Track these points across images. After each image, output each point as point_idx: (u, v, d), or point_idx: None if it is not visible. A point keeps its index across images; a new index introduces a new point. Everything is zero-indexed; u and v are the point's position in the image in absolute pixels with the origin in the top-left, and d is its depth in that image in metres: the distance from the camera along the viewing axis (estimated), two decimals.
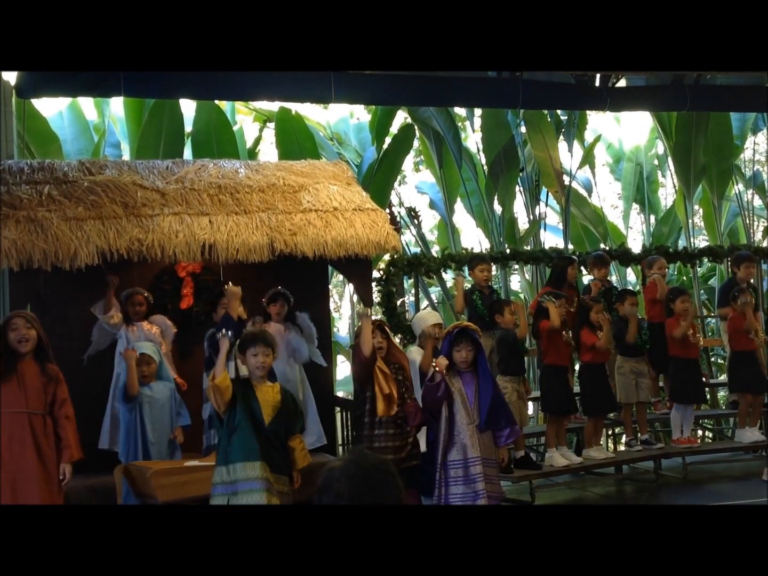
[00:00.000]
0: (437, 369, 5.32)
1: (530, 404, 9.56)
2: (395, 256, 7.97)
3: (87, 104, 11.57)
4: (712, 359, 11.07)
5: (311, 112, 13.06)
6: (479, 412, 5.35)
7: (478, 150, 12.12)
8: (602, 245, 11.99)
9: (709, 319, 11.88)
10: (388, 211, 7.91)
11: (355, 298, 11.74)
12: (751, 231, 12.88)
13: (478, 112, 11.92)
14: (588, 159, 12.76)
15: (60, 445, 5.21)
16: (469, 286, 7.87)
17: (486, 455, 5.32)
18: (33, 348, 5.21)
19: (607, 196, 16.84)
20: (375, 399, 5.76)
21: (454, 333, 5.43)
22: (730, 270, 8.88)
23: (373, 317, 6.08)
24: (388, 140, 11.18)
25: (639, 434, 7.70)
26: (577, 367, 8.00)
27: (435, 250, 13.41)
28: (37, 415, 5.16)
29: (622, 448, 8.54)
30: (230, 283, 6.26)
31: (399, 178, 13.29)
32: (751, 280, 8.46)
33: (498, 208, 11.79)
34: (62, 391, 5.29)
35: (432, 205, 13.14)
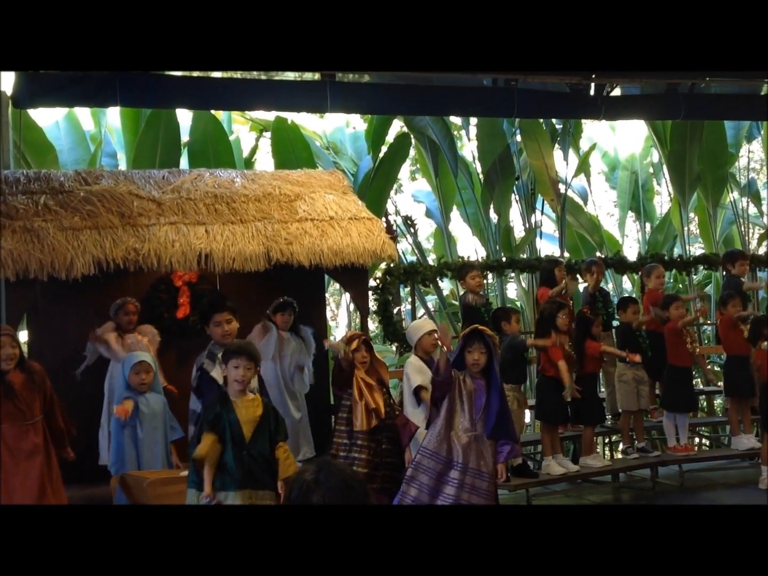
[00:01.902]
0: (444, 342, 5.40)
1: (527, 412, 9.57)
2: (391, 265, 7.99)
3: (83, 114, 11.58)
4: (709, 367, 11.07)
5: (307, 122, 13.09)
6: (485, 422, 5.30)
7: (474, 159, 12.16)
8: (598, 253, 12.01)
9: (705, 326, 11.90)
10: (384, 219, 7.92)
11: (352, 306, 11.75)
12: (747, 239, 12.92)
13: (473, 120, 11.97)
14: (583, 167, 12.79)
15: (55, 435, 5.27)
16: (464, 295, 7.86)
17: (477, 467, 5.27)
18: (16, 364, 5.25)
19: (603, 204, 16.89)
20: (352, 408, 5.80)
21: (467, 334, 5.41)
22: (723, 271, 8.91)
23: (356, 332, 6.15)
24: (384, 149, 11.20)
25: (636, 442, 7.70)
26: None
27: (431, 258, 13.43)
28: (37, 422, 5.18)
29: (618, 456, 8.54)
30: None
31: (395, 186, 13.32)
32: (745, 277, 8.46)
33: (494, 217, 11.82)
34: (48, 385, 5.38)
35: (428, 213, 13.16)
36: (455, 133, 12.73)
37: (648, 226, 14.01)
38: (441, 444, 5.26)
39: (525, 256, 11.30)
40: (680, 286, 12.62)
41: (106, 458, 6.21)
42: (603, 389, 8.12)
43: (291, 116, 10.93)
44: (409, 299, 9.47)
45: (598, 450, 7.76)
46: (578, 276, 8.98)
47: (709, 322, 9.81)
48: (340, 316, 16.50)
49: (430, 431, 5.35)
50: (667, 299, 7.76)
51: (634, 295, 10.14)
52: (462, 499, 5.17)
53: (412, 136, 11.41)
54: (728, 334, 7.79)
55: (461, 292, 8.20)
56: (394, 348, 9.11)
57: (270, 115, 11.36)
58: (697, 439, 9.71)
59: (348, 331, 6.32)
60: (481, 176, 11.68)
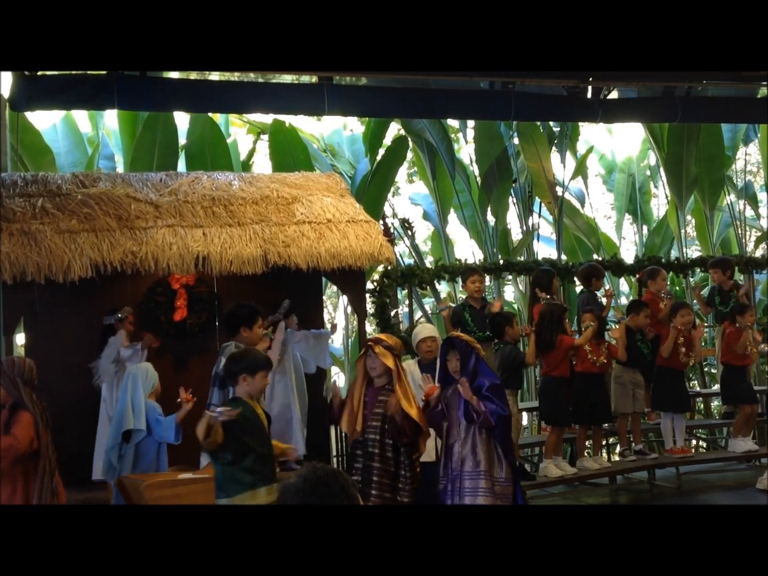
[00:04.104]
0: (428, 397, 5.27)
1: (525, 415, 9.57)
2: (389, 268, 7.98)
3: (81, 117, 11.60)
4: (706, 369, 11.09)
5: (305, 124, 13.12)
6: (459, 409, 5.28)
7: (471, 161, 12.18)
8: (595, 256, 12.02)
9: (705, 329, 11.90)
10: (381, 222, 7.92)
11: (349, 309, 11.75)
12: (743, 241, 12.95)
13: (471, 123, 11.99)
14: (581, 170, 12.82)
15: None
16: (462, 300, 7.88)
17: (474, 468, 5.27)
18: None
19: (600, 206, 16.94)
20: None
21: (442, 346, 5.44)
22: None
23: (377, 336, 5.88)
24: (381, 152, 11.22)
25: (633, 444, 7.71)
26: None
27: (429, 261, 13.45)
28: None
29: (616, 458, 8.55)
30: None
31: (392, 189, 13.34)
32: (724, 286, 8.48)
33: (491, 219, 11.84)
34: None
35: (425, 216, 13.19)
36: (452, 135, 12.75)
37: (645, 228, 14.04)
38: (446, 463, 5.28)
39: (522, 258, 11.30)
40: (677, 288, 12.64)
41: (100, 473, 6.08)
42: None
43: (288, 119, 10.96)
44: (407, 302, 9.45)
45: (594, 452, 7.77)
46: (575, 279, 9.00)
47: (706, 324, 9.82)
48: (337, 318, 16.50)
49: (442, 458, 5.35)
50: (674, 306, 7.80)
51: (631, 298, 10.16)
52: (468, 501, 5.19)
53: (409, 138, 11.43)
54: (734, 344, 7.79)
55: (458, 295, 8.22)
56: None
57: (267, 118, 11.38)
58: (694, 442, 9.71)
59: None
60: (478, 179, 11.70)
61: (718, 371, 8.56)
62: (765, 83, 8.99)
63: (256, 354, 4.98)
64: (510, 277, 11.51)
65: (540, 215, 12.53)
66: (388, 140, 11.71)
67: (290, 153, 10.61)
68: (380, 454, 5.26)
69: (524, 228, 12.23)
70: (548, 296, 7.54)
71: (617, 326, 7.68)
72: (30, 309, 6.47)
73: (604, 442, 8.22)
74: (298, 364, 6.96)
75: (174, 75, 8.57)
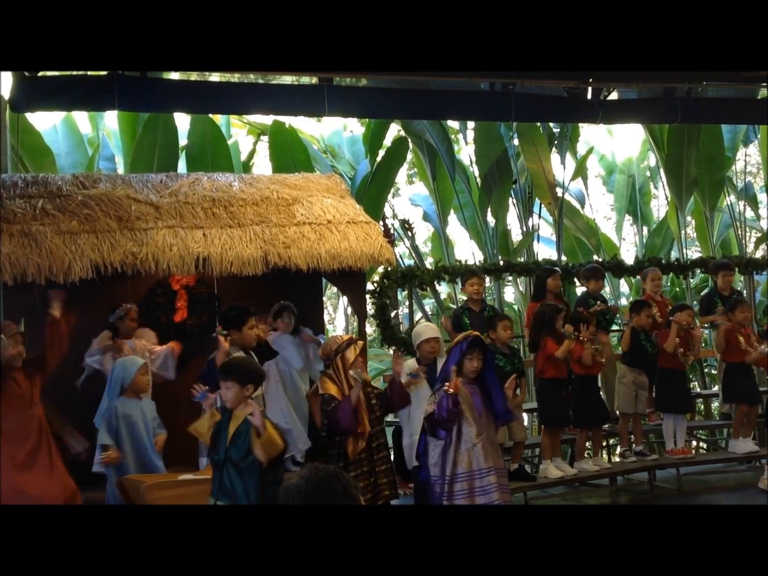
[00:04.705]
0: (451, 390, 5.17)
1: (525, 416, 9.56)
2: (389, 269, 7.98)
3: (81, 118, 11.60)
4: (706, 370, 11.09)
5: (305, 126, 13.12)
6: (495, 412, 5.38)
7: (471, 162, 12.18)
8: (595, 257, 12.02)
9: (704, 329, 11.89)
10: (381, 223, 7.92)
11: (350, 310, 11.76)
12: (743, 242, 12.95)
13: (471, 124, 12.00)
14: (581, 171, 12.82)
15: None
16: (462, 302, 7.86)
17: (497, 465, 5.33)
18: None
19: (600, 207, 16.95)
20: (345, 440, 5.48)
21: (466, 342, 5.40)
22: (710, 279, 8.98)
23: (352, 336, 6.00)
24: (381, 153, 11.22)
25: (633, 445, 7.71)
26: None
27: (429, 262, 13.45)
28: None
29: (616, 459, 8.55)
30: (219, 328, 6.02)
31: (392, 190, 13.35)
32: (730, 289, 8.48)
33: (491, 220, 11.84)
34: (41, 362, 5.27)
35: (425, 217, 13.20)
36: (452, 136, 12.75)
37: (645, 229, 14.04)
38: (461, 461, 5.28)
39: (522, 259, 11.30)
40: (677, 289, 12.64)
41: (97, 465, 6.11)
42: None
43: (289, 120, 10.96)
44: (407, 303, 9.46)
45: (591, 453, 7.77)
46: (575, 280, 9.00)
47: (706, 325, 9.83)
48: (337, 319, 16.52)
49: (441, 457, 5.34)
50: (676, 307, 7.80)
51: (631, 299, 10.15)
52: (504, 500, 5.23)
53: (409, 139, 11.43)
54: (730, 341, 7.78)
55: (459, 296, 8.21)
56: (391, 351, 9.12)
57: (268, 119, 11.39)
58: (694, 443, 9.71)
59: (340, 336, 6.12)
60: (478, 180, 11.70)
61: (719, 371, 8.55)
62: (765, 84, 9.00)
63: (225, 362, 5.07)
64: (510, 278, 11.51)
65: (540, 216, 12.53)
66: (388, 141, 11.71)
67: (290, 154, 10.62)
68: (383, 443, 5.54)
69: (524, 229, 12.24)
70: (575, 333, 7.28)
71: (624, 327, 7.66)
72: (30, 310, 6.47)
73: (604, 443, 8.22)
74: (290, 366, 6.92)
75: (174, 76, 8.57)
